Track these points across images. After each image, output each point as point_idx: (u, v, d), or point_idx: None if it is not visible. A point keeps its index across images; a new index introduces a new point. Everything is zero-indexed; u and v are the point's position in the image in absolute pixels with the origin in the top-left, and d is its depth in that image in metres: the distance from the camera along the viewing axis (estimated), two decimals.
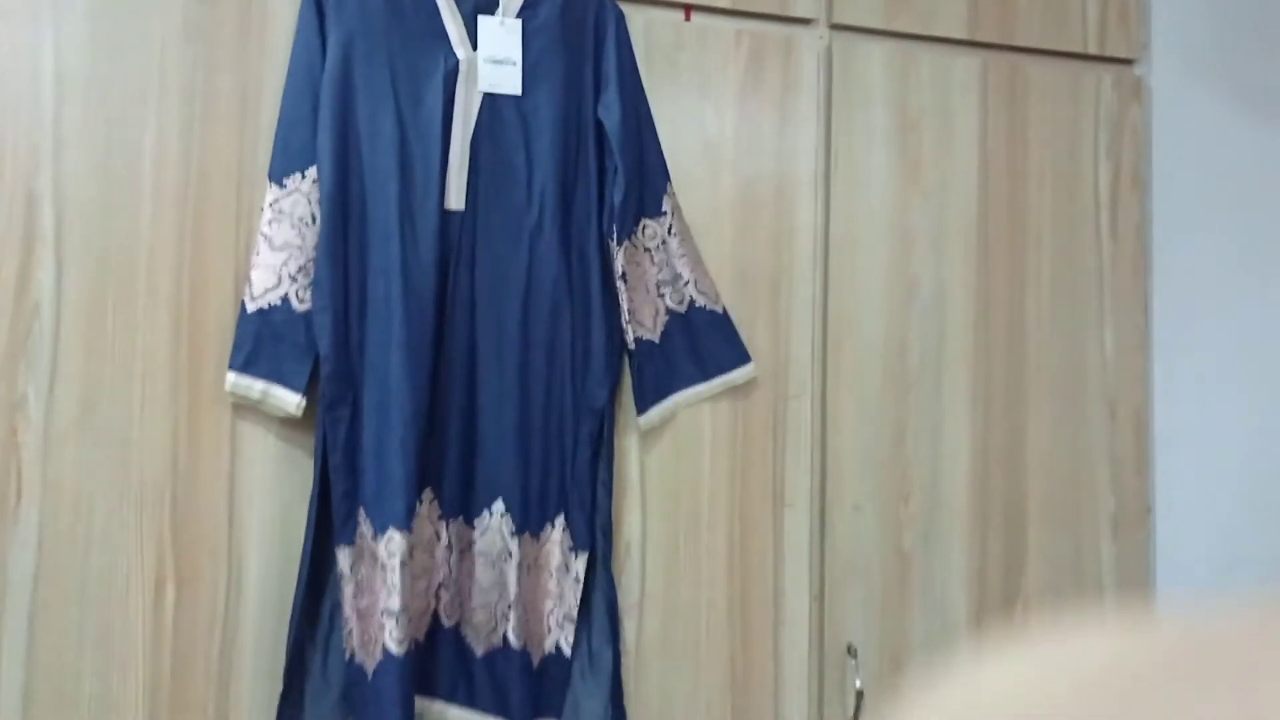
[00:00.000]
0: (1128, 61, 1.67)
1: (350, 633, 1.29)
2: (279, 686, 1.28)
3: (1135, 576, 1.61)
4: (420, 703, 1.33)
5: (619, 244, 1.40)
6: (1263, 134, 1.71)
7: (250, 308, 1.30)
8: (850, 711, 1.47)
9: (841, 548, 1.50)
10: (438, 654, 1.36)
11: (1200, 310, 1.66)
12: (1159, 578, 1.62)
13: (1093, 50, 1.65)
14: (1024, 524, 1.57)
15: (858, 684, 1.47)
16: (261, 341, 1.30)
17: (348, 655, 1.30)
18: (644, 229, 1.44)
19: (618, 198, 1.39)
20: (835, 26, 1.55)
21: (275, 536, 1.33)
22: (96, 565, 1.27)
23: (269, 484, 1.33)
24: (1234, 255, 1.69)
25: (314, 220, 1.32)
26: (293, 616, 1.29)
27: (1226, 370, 1.67)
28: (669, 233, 1.45)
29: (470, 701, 1.36)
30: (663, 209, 1.45)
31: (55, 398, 1.27)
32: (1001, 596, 1.55)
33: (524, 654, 1.36)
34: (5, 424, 1.26)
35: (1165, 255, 1.66)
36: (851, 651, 1.48)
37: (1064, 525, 1.58)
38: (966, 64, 1.60)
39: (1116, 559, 1.60)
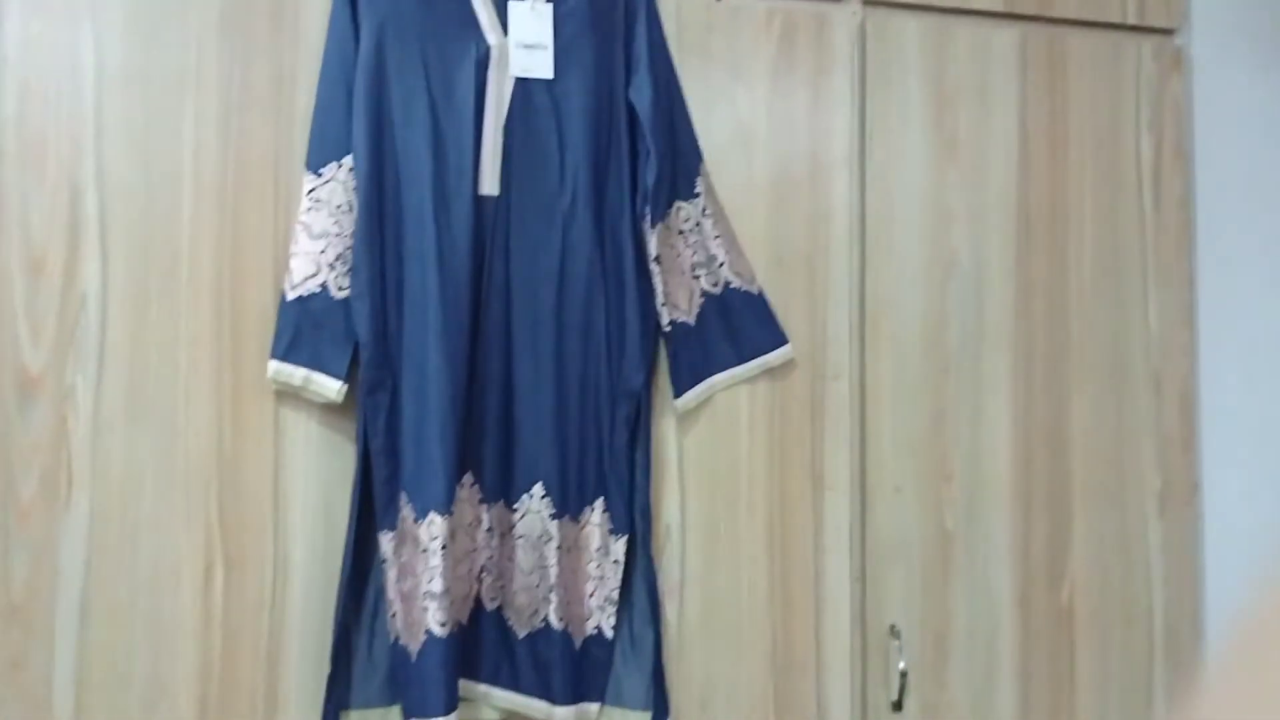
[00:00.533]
0: (1168, 31, 1.64)
1: (394, 616, 1.31)
2: (326, 668, 1.30)
3: (1183, 555, 1.58)
4: (464, 685, 1.35)
5: (652, 226, 1.40)
6: None
7: (290, 296, 1.32)
8: (894, 692, 1.47)
9: (882, 529, 1.49)
10: (481, 637, 1.37)
11: (1246, 283, 1.63)
12: (1207, 556, 1.59)
13: (1132, 21, 1.62)
14: (1068, 503, 1.55)
15: (901, 665, 1.46)
16: (302, 329, 1.31)
17: (392, 638, 1.31)
18: (678, 211, 1.44)
19: (650, 180, 1.39)
20: (869, 3, 1.54)
21: (319, 521, 1.34)
22: (146, 550, 1.30)
23: (312, 469, 1.35)
24: None
25: (351, 208, 1.33)
26: (338, 600, 1.31)
27: (1274, 344, 1.64)
28: (703, 214, 1.45)
29: (513, 684, 1.38)
30: (696, 190, 1.44)
31: (103, 388, 1.30)
32: (1046, 576, 1.54)
33: (565, 636, 1.36)
34: (55, 414, 1.29)
35: (1210, 228, 1.63)
36: (894, 632, 1.48)
37: (1109, 504, 1.56)
38: (1004, 37, 1.58)
39: (1164, 537, 1.58)
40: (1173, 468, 1.59)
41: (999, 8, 1.58)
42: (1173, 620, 1.57)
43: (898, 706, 1.47)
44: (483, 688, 1.37)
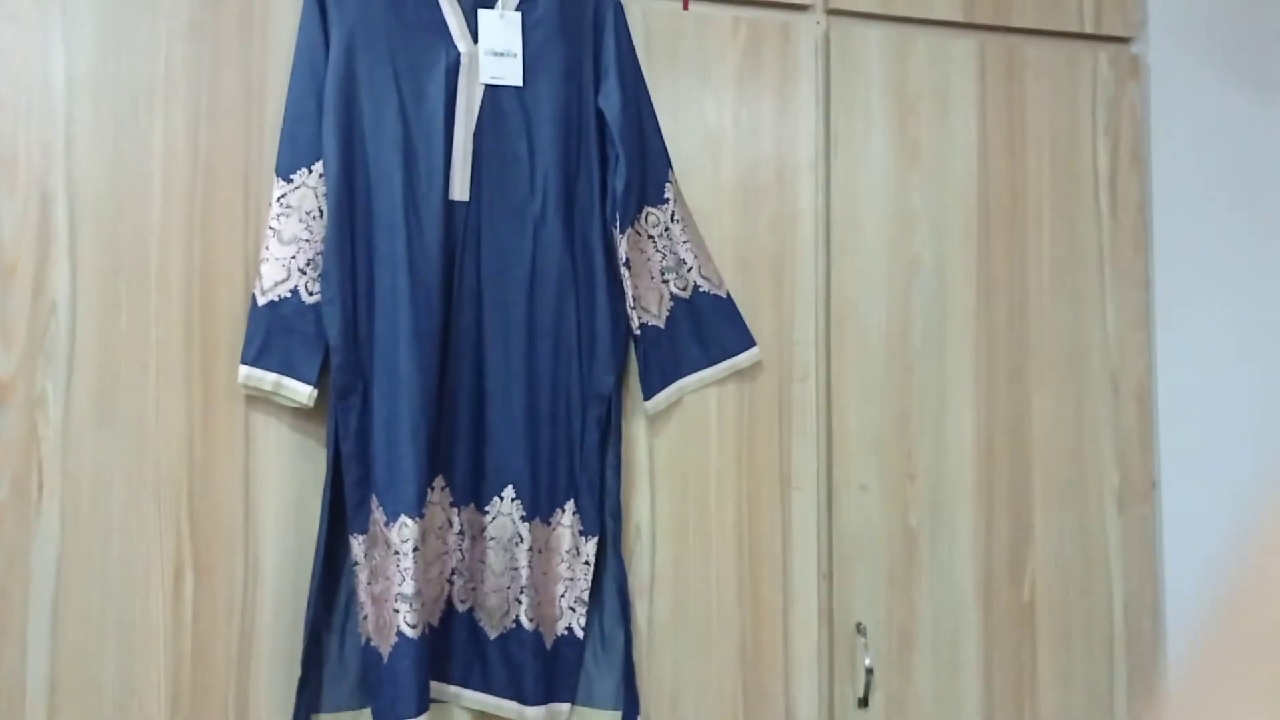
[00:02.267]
0: (1124, 40, 1.68)
1: (366, 618, 1.32)
2: (297, 672, 1.31)
3: (1142, 551, 1.62)
4: (435, 687, 1.36)
5: (622, 231, 1.42)
6: (1260, 109, 1.72)
7: (260, 301, 1.32)
8: (861, 689, 1.49)
9: (849, 527, 1.52)
10: (452, 638, 1.38)
11: (1201, 285, 1.67)
12: (1165, 552, 1.63)
13: (1089, 29, 1.66)
14: (1030, 500, 1.58)
15: (867, 661, 1.49)
16: (272, 334, 1.32)
17: (363, 640, 1.32)
18: (647, 216, 1.46)
19: (620, 185, 1.41)
20: (832, 12, 1.57)
21: (290, 525, 1.35)
22: (116, 555, 1.30)
23: (283, 473, 1.35)
24: (1234, 230, 1.69)
25: (321, 214, 1.34)
26: (309, 603, 1.31)
27: (1229, 344, 1.68)
28: (672, 219, 1.47)
29: (484, 685, 1.39)
30: (665, 196, 1.47)
31: (73, 393, 1.30)
32: (1009, 572, 1.57)
33: (537, 636, 1.38)
34: (26, 420, 1.29)
35: (1166, 231, 1.67)
36: (861, 630, 1.50)
37: (1069, 501, 1.60)
38: (963, 46, 1.61)
39: (1123, 534, 1.61)
40: (1131, 465, 1.62)
41: (958, 17, 1.61)
42: (1132, 615, 1.61)
43: (864, 703, 1.49)
44: (454, 689, 1.38)
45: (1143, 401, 1.64)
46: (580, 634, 1.39)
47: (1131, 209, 1.65)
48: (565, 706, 1.39)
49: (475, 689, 1.39)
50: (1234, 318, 1.68)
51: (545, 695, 1.38)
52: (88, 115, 1.33)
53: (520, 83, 1.41)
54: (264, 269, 1.33)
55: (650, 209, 1.46)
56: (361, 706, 1.34)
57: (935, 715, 1.53)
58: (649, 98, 1.48)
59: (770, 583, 1.49)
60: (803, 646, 1.49)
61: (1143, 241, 1.66)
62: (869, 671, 1.49)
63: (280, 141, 1.35)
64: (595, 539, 1.39)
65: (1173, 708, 0.30)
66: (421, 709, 1.29)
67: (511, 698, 1.38)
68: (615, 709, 1.40)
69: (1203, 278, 1.68)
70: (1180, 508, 1.64)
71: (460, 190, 1.38)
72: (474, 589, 1.39)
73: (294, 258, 1.33)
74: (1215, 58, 1.71)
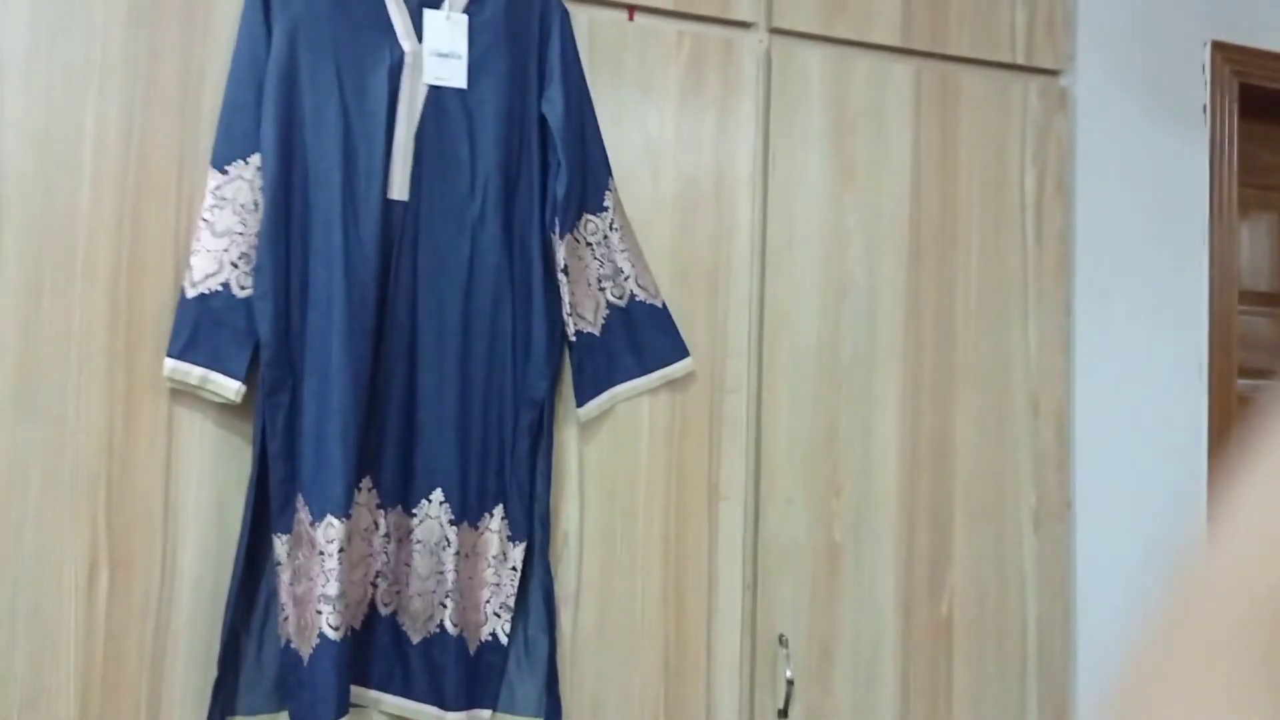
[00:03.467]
0: (1054, 72, 1.74)
1: (286, 619, 1.30)
2: (213, 673, 1.28)
3: (1056, 569, 1.66)
4: (355, 691, 1.34)
5: (561, 237, 1.42)
6: (1180, 143, 1.79)
7: (190, 293, 1.30)
8: (781, 700, 1.51)
9: (774, 539, 1.54)
10: (374, 642, 1.37)
11: (1120, 312, 1.73)
12: (1079, 571, 1.68)
13: (1020, 61, 1.71)
14: (950, 517, 1.62)
15: (788, 673, 1.50)
16: (201, 327, 1.30)
17: (283, 642, 1.30)
18: (586, 224, 1.46)
19: (560, 191, 1.42)
20: (775, 30, 1.59)
21: (212, 522, 1.33)
22: (29, 547, 1.26)
23: (206, 470, 1.33)
24: (1152, 259, 1.76)
25: (256, 207, 1.32)
26: (228, 603, 1.29)
27: (1145, 370, 1.74)
28: (610, 228, 1.47)
29: (405, 690, 1.37)
30: (604, 204, 1.47)
31: None
32: (928, 588, 1.60)
33: (460, 641, 1.37)
34: None
35: (1088, 258, 1.72)
36: (783, 641, 1.52)
37: (988, 519, 1.64)
38: (901, 70, 1.65)
39: (1038, 552, 1.66)
40: (1047, 485, 1.67)
41: (896, 42, 1.65)
42: (1045, 631, 1.65)
43: (784, 714, 1.51)
44: (374, 693, 1.37)
45: (1060, 423, 1.68)
46: (504, 640, 1.39)
47: (1055, 237, 1.70)
48: (486, 713, 1.38)
49: (396, 694, 1.37)
50: (1150, 344, 1.74)
51: (467, 701, 1.37)
52: (17, 97, 1.29)
53: (464, 85, 1.41)
54: (195, 261, 1.30)
55: (590, 216, 1.46)
56: (279, 710, 1.32)
57: None
58: (592, 106, 1.48)
59: (695, 592, 1.50)
60: (725, 656, 1.50)
61: (1065, 268, 1.71)
62: (789, 683, 1.50)
63: (217, 132, 1.33)
64: (523, 544, 1.39)
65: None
66: (341, 712, 1.28)
67: (432, 703, 1.36)
68: (537, 716, 1.40)
69: (1121, 305, 1.73)
70: (1094, 528, 1.69)
71: (400, 189, 1.37)
72: (398, 592, 1.38)
73: (226, 250, 1.31)
74: (1139, 93, 1.77)
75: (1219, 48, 1.82)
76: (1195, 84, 1.81)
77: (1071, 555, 1.68)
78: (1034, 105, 1.71)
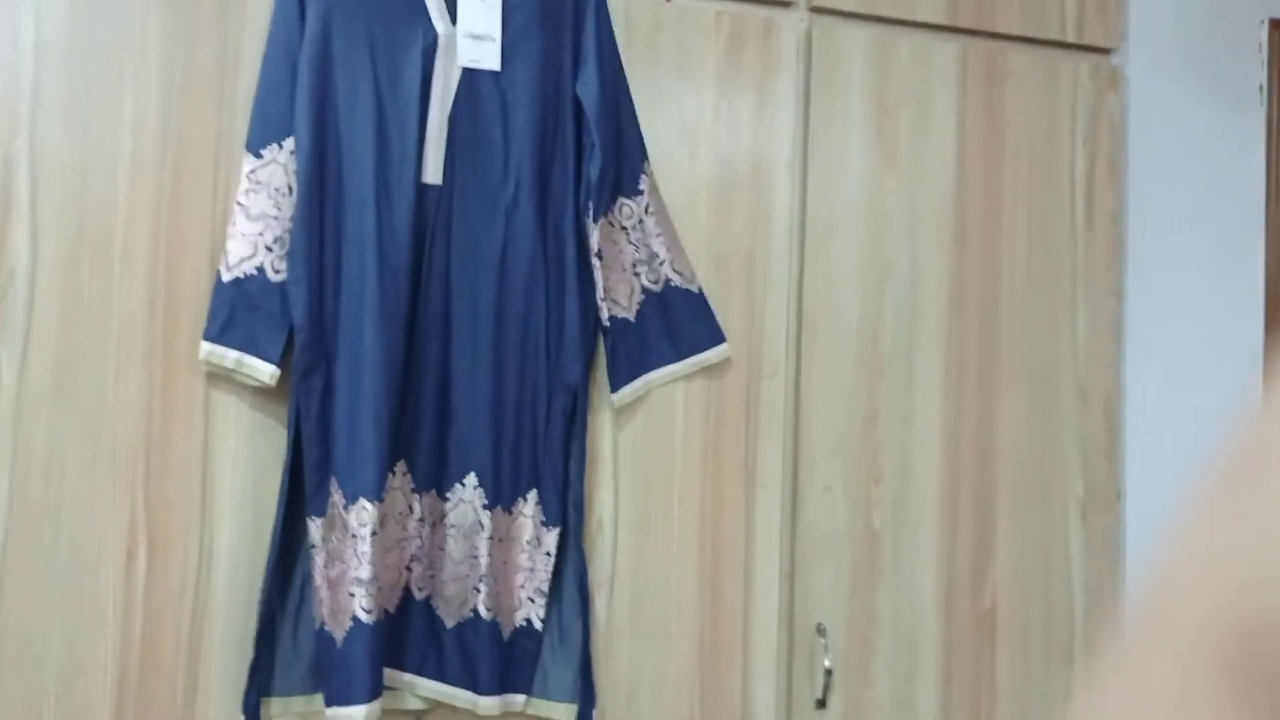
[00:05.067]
0: (1105, 51, 1.68)
1: (321, 602, 1.30)
2: (249, 654, 1.29)
3: (1104, 561, 1.62)
4: (389, 674, 1.34)
5: (595, 221, 1.41)
6: (1236, 124, 1.73)
7: (226, 277, 1.30)
8: (819, 690, 1.48)
9: (812, 528, 1.51)
10: (408, 626, 1.37)
11: (1172, 297, 1.68)
12: (1128, 563, 1.63)
13: (1071, 39, 1.66)
14: (994, 507, 1.58)
15: (826, 663, 1.48)
16: (236, 311, 1.30)
17: (318, 624, 1.31)
18: (621, 208, 1.45)
19: (595, 174, 1.40)
20: (815, 10, 1.56)
21: (247, 505, 1.33)
22: (68, 530, 1.28)
23: (242, 452, 1.34)
24: (1206, 243, 1.70)
25: (291, 191, 1.33)
26: (264, 585, 1.30)
27: (1197, 357, 1.68)
28: (646, 211, 1.46)
29: (439, 674, 1.37)
30: (640, 188, 1.46)
31: (28, 363, 1.28)
32: (970, 579, 1.57)
33: (494, 626, 1.37)
34: None
35: (1139, 243, 1.67)
36: (820, 631, 1.50)
37: (1033, 509, 1.60)
38: (946, 50, 1.61)
39: (1085, 543, 1.61)
40: (1096, 475, 1.63)
41: (942, 21, 1.61)
42: (1092, 626, 1.61)
43: (822, 704, 1.49)
44: (408, 677, 1.37)
45: (1110, 412, 1.64)
46: (538, 625, 1.38)
47: (1106, 219, 1.66)
48: (520, 698, 1.38)
49: (430, 677, 1.37)
50: (1203, 331, 1.69)
51: (500, 686, 1.37)
52: (56, 81, 1.31)
53: (498, 67, 1.40)
54: (230, 245, 1.31)
55: (624, 200, 1.45)
56: (314, 691, 1.33)
57: (893, 719, 1.52)
58: (628, 88, 1.47)
59: (731, 580, 1.48)
60: (762, 646, 1.48)
61: (1116, 252, 1.66)
62: (828, 673, 1.48)
63: (251, 116, 1.33)
64: (557, 530, 1.38)
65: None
66: (374, 695, 1.28)
67: (466, 687, 1.36)
68: (571, 702, 1.39)
69: (1174, 290, 1.68)
70: (1144, 520, 1.64)
71: (433, 173, 1.37)
72: (432, 576, 1.38)
73: (261, 234, 1.32)
74: (1192, 71, 1.71)
75: (1277, 26, 1.75)
76: (1252, 63, 1.75)
77: (1121, 548, 1.63)
78: (1084, 85, 1.66)
